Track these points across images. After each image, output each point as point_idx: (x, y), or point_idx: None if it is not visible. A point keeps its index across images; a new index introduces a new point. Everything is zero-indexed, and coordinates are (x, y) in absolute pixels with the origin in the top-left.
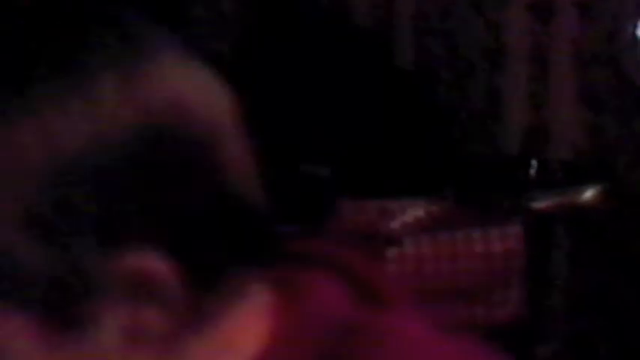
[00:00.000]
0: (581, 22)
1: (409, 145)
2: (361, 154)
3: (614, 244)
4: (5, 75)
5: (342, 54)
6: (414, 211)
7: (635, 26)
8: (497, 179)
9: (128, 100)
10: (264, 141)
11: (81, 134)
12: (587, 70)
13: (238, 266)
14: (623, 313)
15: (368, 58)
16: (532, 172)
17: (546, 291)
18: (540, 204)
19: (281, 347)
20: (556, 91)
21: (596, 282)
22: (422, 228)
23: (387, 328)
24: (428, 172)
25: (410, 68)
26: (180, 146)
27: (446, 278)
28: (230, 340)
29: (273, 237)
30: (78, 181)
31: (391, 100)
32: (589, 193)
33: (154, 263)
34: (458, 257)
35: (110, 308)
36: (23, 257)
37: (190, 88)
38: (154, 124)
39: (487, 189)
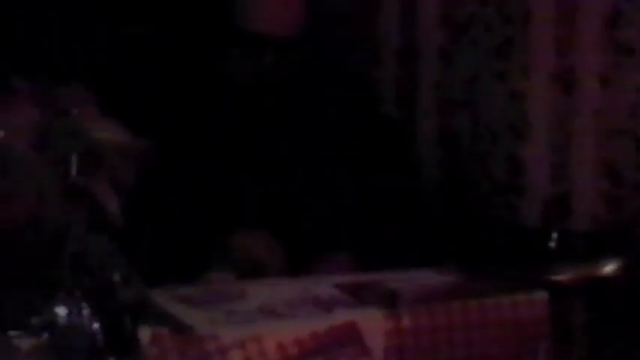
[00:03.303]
0: (604, 95)
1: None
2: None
3: (635, 318)
4: None
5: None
6: (427, 281)
7: None
8: (517, 251)
9: None
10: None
11: None
12: (608, 142)
13: None
14: None
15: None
16: (552, 243)
17: None
18: (561, 276)
19: None
20: (577, 163)
21: (617, 356)
22: (446, 295)
23: None
24: (433, 243)
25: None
26: None
27: (477, 347)
28: None
29: None
30: None
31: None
32: (610, 266)
33: None
34: (488, 325)
35: None
36: None
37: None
38: None
39: (505, 261)
